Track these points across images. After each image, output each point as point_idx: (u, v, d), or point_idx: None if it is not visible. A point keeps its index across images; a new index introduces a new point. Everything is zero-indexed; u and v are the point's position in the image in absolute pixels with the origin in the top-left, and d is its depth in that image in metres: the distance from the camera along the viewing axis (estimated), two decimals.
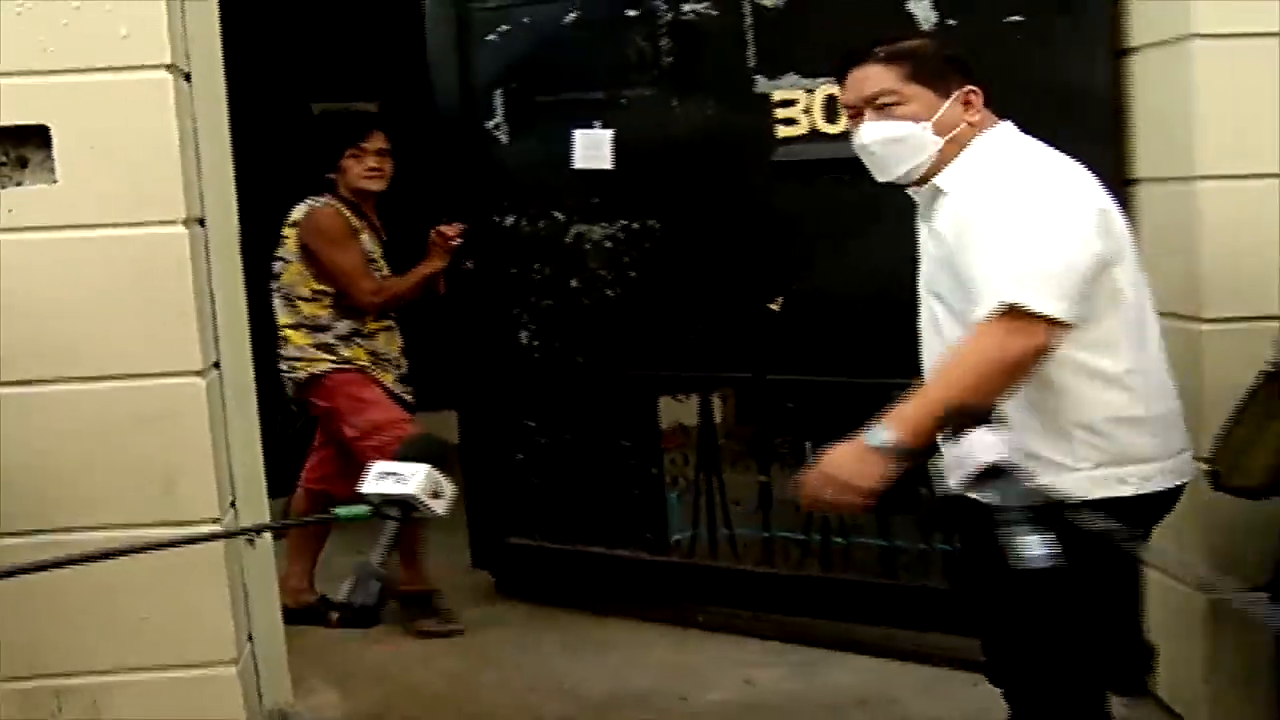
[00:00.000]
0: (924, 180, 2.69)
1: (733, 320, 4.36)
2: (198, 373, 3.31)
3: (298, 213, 4.67)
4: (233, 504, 3.52)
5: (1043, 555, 1.87)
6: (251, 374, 3.69)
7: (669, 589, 4.70)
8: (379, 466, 2.05)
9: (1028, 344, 2.41)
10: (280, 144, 5.63)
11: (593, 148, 4.46)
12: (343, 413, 4.66)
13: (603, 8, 4.42)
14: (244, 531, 3.53)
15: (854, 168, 3.36)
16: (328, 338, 4.66)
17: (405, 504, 2.00)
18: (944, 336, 2.67)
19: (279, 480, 5.89)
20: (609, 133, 4.45)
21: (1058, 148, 2.66)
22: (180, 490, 3.29)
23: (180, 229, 3.26)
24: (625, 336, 4.57)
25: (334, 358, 4.65)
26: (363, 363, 4.67)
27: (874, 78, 2.68)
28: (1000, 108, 2.73)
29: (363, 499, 2.03)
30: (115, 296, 3.24)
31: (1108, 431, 2.55)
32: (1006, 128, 2.70)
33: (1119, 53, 3.70)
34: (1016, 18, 3.79)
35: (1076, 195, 2.55)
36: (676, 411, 4.67)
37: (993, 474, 2.01)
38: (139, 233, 3.23)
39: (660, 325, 4.50)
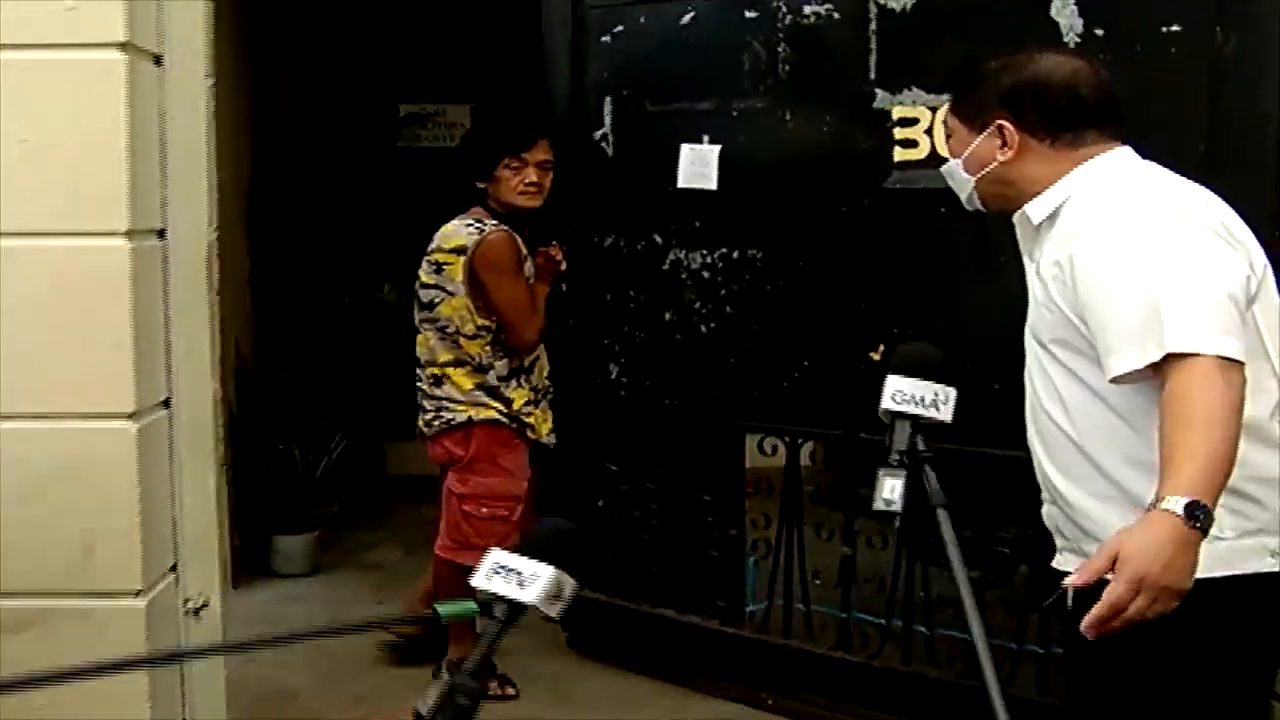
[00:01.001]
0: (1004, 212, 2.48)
1: (828, 367, 3.79)
2: (129, 415, 2.79)
3: (464, 237, 4.08)
4: (173, 568, 3.00)
5: None
6: (212, 413, 3.10)
7: (740, 664, 4.13)
8: (497, 558, 1.78)
9: (1236, 391, 2.04)
10: (363, 148, 5.34)
11: (698, 165, 3.98)
12: (470, 465, 4.16)
13: (721, 8, 3.94)
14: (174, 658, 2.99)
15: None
16: (490, 379, 4.13)
17: (516, 606, 1.73)
18: (1035, 386, 2.40)
19: (305, 516, 5.69)
20: (715, 149, 3.95)
21: (1215, 177, 2.37)
22: (99, 555, 2.77)
23: (121, 241, 2.74)
24: (715, 378, 4.05)
25: (501, 406, 4.12)
26: (526, 418, 4.16)
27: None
28: (1150, 129, 2.54)
29: (471, 593, 1.77)
30: (39, 321, 2.73)
31: (1254, 494, 2.16)
32: (1119, 155, 2.37)
33: None
34: (1175, 27, 3.16)
35: (1210, 218, 2.23)
36: (762, 466, 4.13)
37: None
38: (72, 244, 2.72)
39: (751, 368, 3.97)
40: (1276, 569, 2.16)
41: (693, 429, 4.13)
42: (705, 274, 4.02)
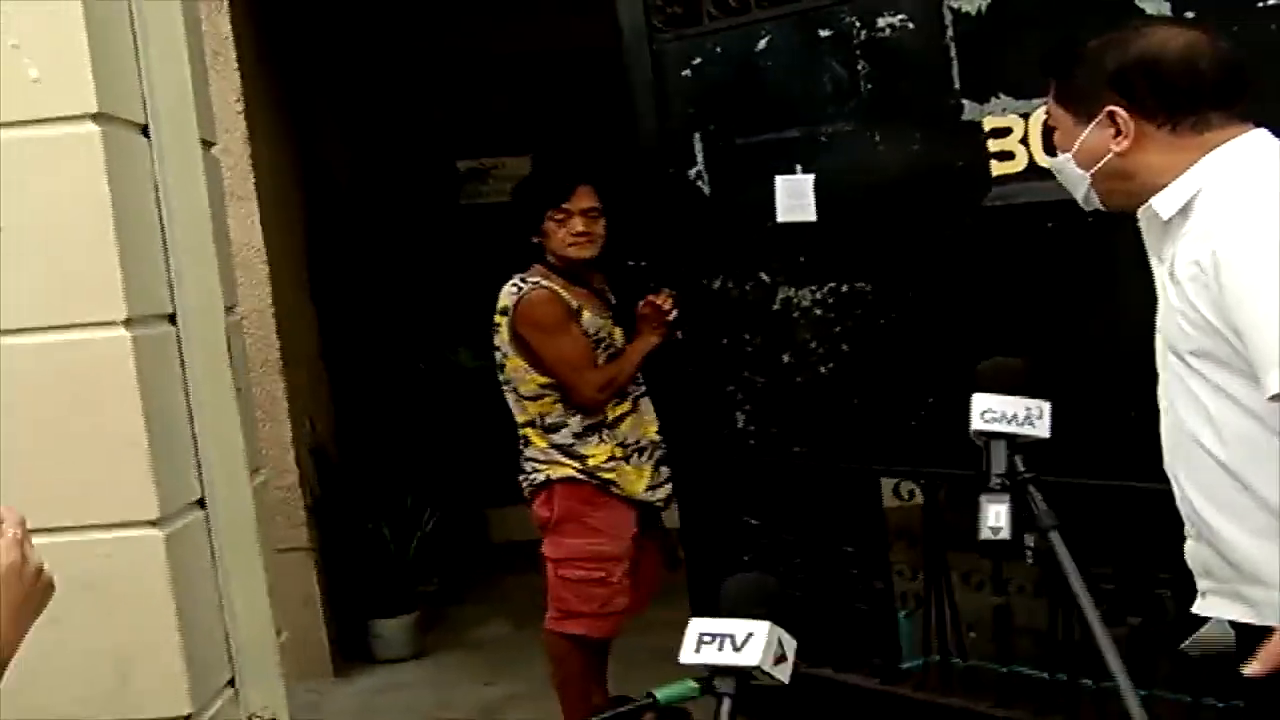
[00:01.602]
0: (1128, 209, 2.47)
1: (953, 401, 3.83)
2: (153, 522, 2.73)
3: (506, 297, 4.37)
4: (230, 682, 3.02)
5: None
6: (253, 510, 3.09)
7: None
8: (699, 626, 1.79)
9: None
10: (423, 209, 5.55)
11: (795, 196, 4.13)
12: (558, 527, 4.41)
13: (795, 30, 4.11)
14: None
15: (1084, 210, 2.97)
16: (563, 437, 4.38)
17: (743, 674, 1.76)
18: (1176, 406, 2.38)
19: (403, 597, 5.93)
20: (810, 178, 4.10)
21: None
22: (137, 677, 2.73)
23: (120, 331, 2.69)
24: (840, 421, 4.22)
25: (576, 464, 4.35)
26: (606, 474, 4.35)
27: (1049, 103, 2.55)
28: (1255, 115, 2.41)
29: (686, 671, 1.79)
30: (42, 423, 2.69)
31: None
32: (1255, 138, 2.35)
33: None
34: (1272, 1, 3.16)
35: None
36: (901, 513, 4.21)
37: None
38: (68, 338, 2.68)
39: (875, 407, 4.12)
40: None
41: (823, 477, 4.26)
42: (817, 311, 4.19)
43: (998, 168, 3.67)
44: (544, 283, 4.33)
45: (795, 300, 4.22)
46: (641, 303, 4.47)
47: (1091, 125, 2.36)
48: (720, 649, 1.73)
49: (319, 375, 6.40)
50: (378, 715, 5.49)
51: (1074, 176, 2.45)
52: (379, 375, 6.51)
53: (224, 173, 5.48)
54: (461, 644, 6.12)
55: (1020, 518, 2.13)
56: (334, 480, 6.00)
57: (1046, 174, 3.51)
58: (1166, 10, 3.31)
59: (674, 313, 4.44)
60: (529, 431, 4.41)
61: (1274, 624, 2.16)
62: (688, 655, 1.76)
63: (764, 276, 4.29)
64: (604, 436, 4.35)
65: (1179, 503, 2.41)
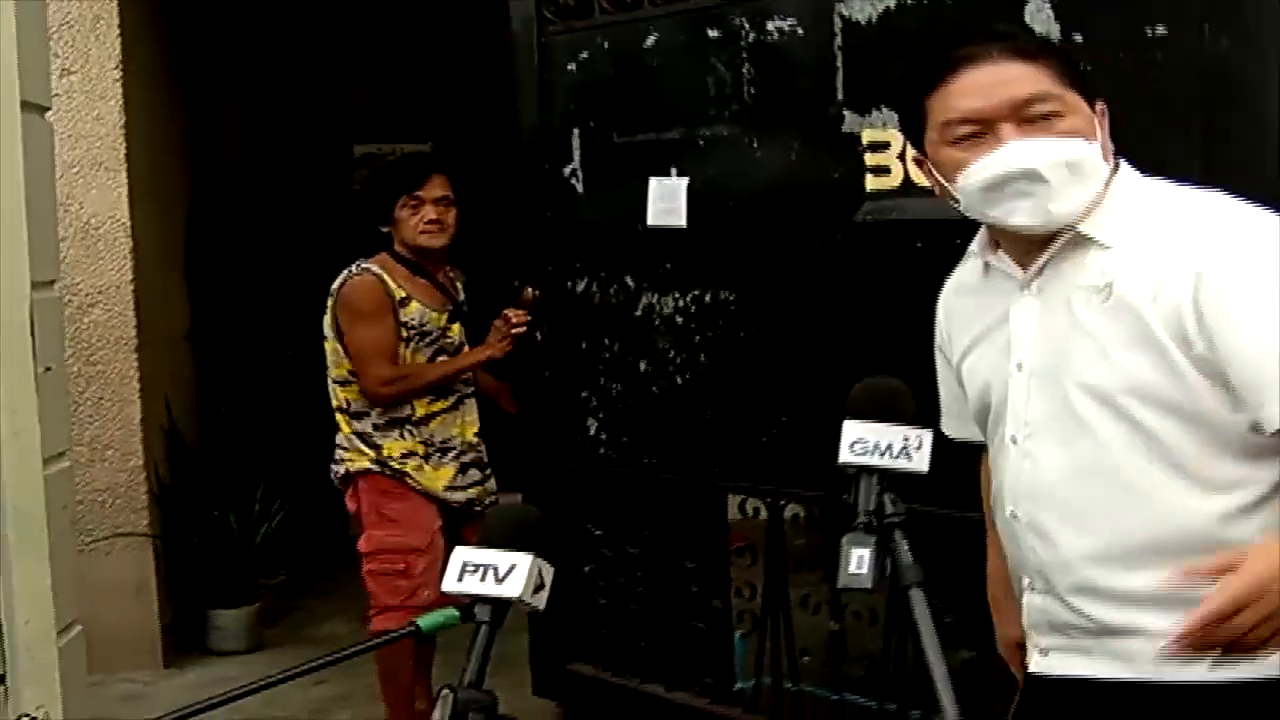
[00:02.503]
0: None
1: (808, 420, 3.58)
2: None
3: (337, 281, 4.19)
4: (2, 679, 2.79)
5: None
6: (43, 498, 2.85)
7: None
8: (464, 555, 1.72)
9: None
10: (315, 193, 5.24)
11: (666, 200, 3.83)
12: (362, 520, 4.21)
13: (683, 28, 3.81)
14: None
15: (957, 230, 2.69)
16: (365, 426, 4.18)
17: (500, 604, 1.68)
18: (1100, 440, 1.91)
19: (244, 588, 5.53)
20: (683, 182, 3.82)
21: (1212, 189, 1.96)
22: None
23: None
24: (692, 433, 3.90)
25: (372, 454, 4.15)
26: (398, 466, 4.13)
27: (1025, 77, 1.93)
28: (1140, 140, 2.25)
29: (449, 600, 1.72)
30: None
31: None
32: (1129, 169, 2.00)
33: None
34: (1160, 30, 2.92)
35: None
36: (746, 531, 3.92)
37: None
38: None
39: (729, 421, 3.81)
40: None
41: (671, 489, 3.95)
42: (678, 319, 3.88)
43: (873, 182, 3.39)
44: (374, 269, 4.13)
45: (658, 307, 3.91)
46: (501, 314, 4.20)
47: (1100, 118, 1.95)
48: (483, 579, 1.68)
49: (184, 356, 5.98)
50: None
51: (1097, 168, 1.93)
52: (248, 360, 6.06)
53: (94, 142, 5.21)
54: (300, 639, 5.69)
55: (884, 565, 1.82)
56: (186, 465, 5.58)
57: (921, 191, 3.29)
58: (1055, 32, 3.06)
59: (521, 329, 4.16)
60: (339, 417, 4.22)
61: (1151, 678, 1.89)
62: (450, 584, 1.69)
63: (629, 281, 3.98)
64: (406, 432, 4.15)
65: (1033, 552, 2.03)
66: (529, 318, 4.16)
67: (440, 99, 6.28)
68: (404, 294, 4.14)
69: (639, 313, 3.95)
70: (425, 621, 1.74)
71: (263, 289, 6.17)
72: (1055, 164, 1.88)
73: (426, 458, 4.16)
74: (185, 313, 6.02)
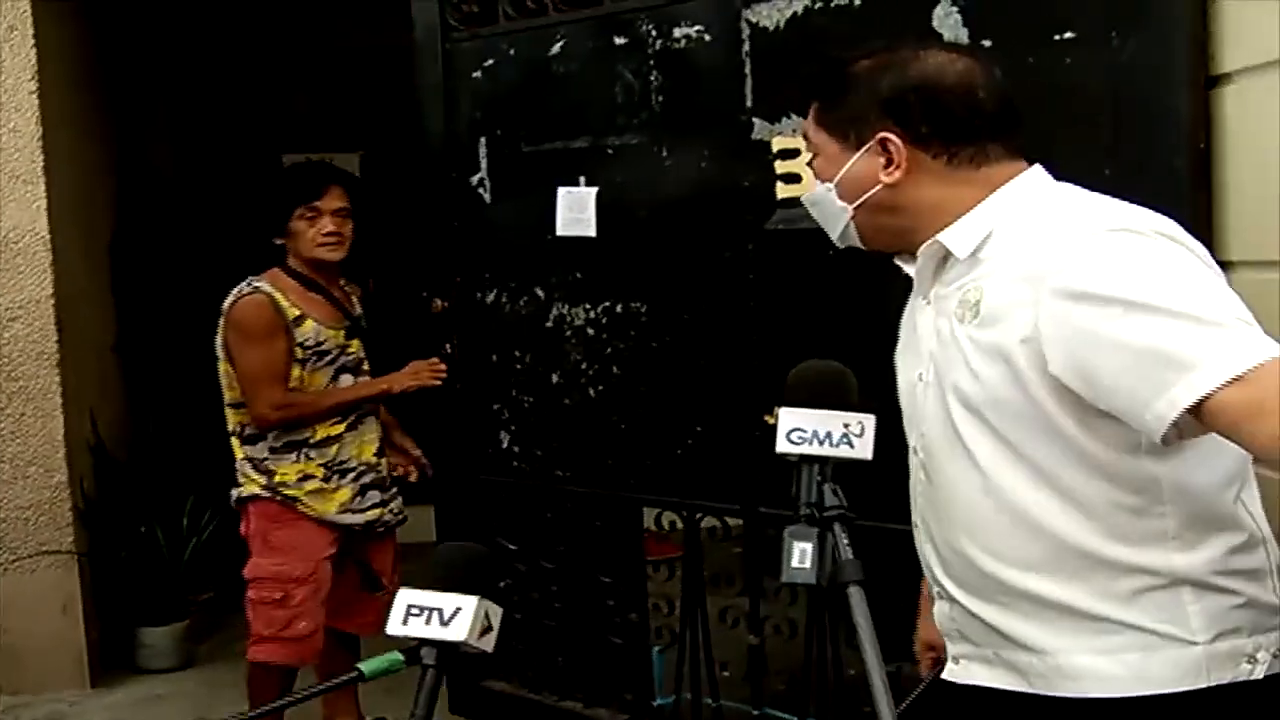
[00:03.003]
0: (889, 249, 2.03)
1: (720, 435, 3.41)
2: None
3: (227, 300, 3.93)
4: None
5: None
6: None
7: None
8: (407, 598, 1.65)
9: None
10: (244, 203, 5.01)
11: (575, 210, 3.65)
12: (250, 545, 3.97)
13: (590, 35, 3.63)
14: None
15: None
16: (260, 451, 3.94)
17: (446, 647, 1.62)
18: (960, 462, 1.88)
19: (173, 605, 5.27)
20: (592, 192, 3.63)
21: (1123, 192, 1.86)
22: None
23: None
24: (606, 446, 3.71)
25: (263, 479, 3.92)
26: (290, 491, 3.90)
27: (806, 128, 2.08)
28: (1050, 144, 2.13)
29: (393, 643, 1.63)
30: None
31: (1229, 586, 1.78)
32: (1037, 176, 1.93)
33: (1208, 81, 2.63)
34: (1068, 35, 2.78)
35: (1194, 245, 1.76)
36: (662, 547, 3.76)
37: None
38: None
39: (643, 434, 3.63)
40: (1259, 676, 1.77)
41: (585, 503, 3.77)
42: (589, 331, 3.70)
43: (783, 190, 3.23)
44: (265, 287, 3.87)
45: (569, 318, 3.72)
46: (423, 363, 3.99)
47: (860, 152, 1.92)
48: (428, 622, 1.61)
49: (111, 369, 5.71)
50: None
51: (833, 209, 1.99)
52: (177, 372, 5.71)
53: (11, 155, 4.93)
54: (232, 655, 5.24)
55: (826, 559, 1.68)
56: (113, 480, 5.31)
57: None
58: (964, 37, 2.92)
59: (435, 381, 3.96)
60: (233, 441, 3.98)
61: (1043, 691, 1.82)
62: (395, 627, 1.63)
63: (539, 292, 3.79)
64: (303, 455, 3.91)
65: (932, 560, 1.99)
66: (444, 373, 3.96)
67: (371, 107, 6.08)
68: (298, 312, 3.87)
69: (550, 324, 3.76)
70: (368, 667, 1.65)
71: (192, 299, 5.88)
72: (809, 204, 2.08)
73: (326, 479, 3.92)
74: (112, 325, 5.74)
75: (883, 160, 1.89)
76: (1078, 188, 1.88)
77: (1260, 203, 2.51)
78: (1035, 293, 1.72)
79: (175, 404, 5.71)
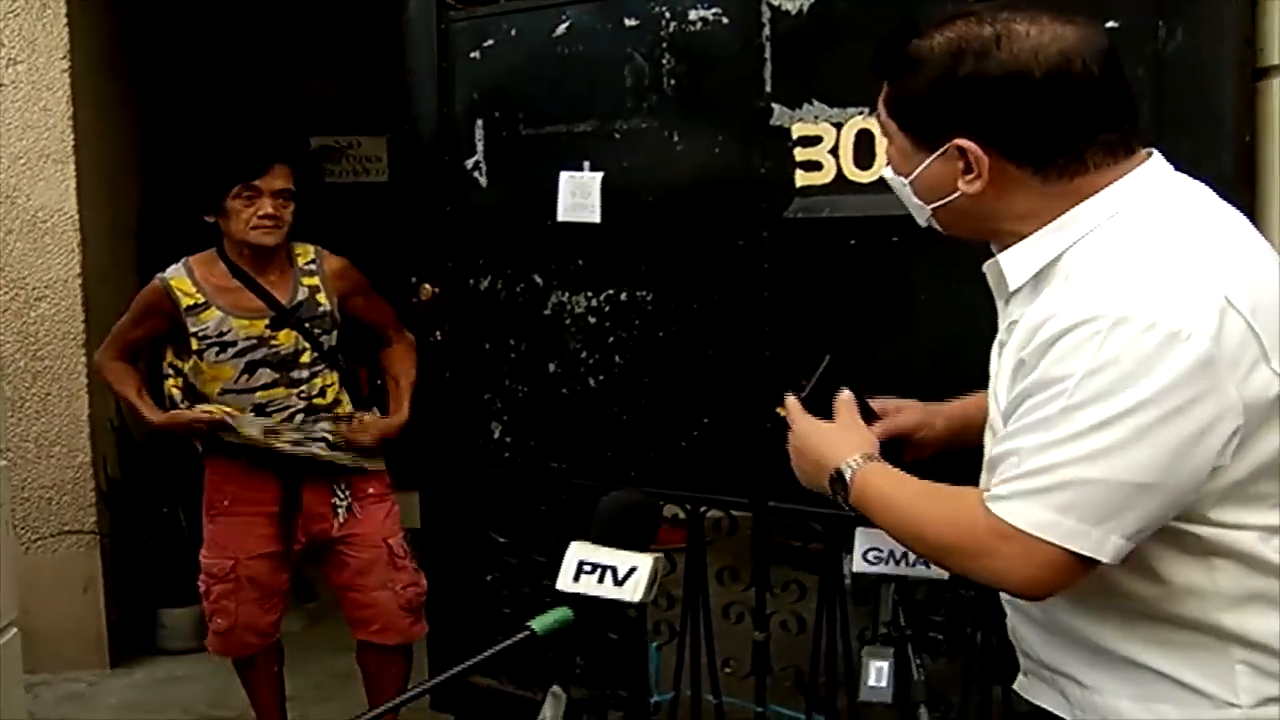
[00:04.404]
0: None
1: (730, 427, 3.26)
2: None
3: None
4: None
5: None
6: None
7: None
8: (579, 553, 1.64)
9: None
10: None
11: (579, 195, 3.47)
12: None
13: (598, 16, 3.44)
14: None
15: (893, 227, 2.71)
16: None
17: (618, 606, 1.58)
18: None
19: (193, 586, 5.11)
20: (597, 176, 3.45)
21: None
22: None
23: None
24: (606, 437, 3.54)
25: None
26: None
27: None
28: None
29: (562, 599, 1.60)
30: None
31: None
32: (1133, 184, 1.64)
33: (1254, 74, 2.54)
34: (1112, 24, 2.64)
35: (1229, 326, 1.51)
36: (671, 535, 3.60)
37: None
38: None
39: (646, 426, 3.46)
40: None
41: (581, 494, 3.59)
42: (591, 319, 3.52)
43: (803, 178, 3.08)
44: (171, 272, 3.76)
45: (569, 306, 3.54)
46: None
47: (934, 156, 1.68)
48: (600, 580, 1.58)
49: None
50: (144, 709, 4.71)
51: (911, 202, 1.79)
52: None
53: (42, 133, 4.81)
54: None
55: (902, 676, 1.65)
56: (135, 461, 5.19)
57: (855, 188, 3.02)
58: None
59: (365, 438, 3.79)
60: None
61: None
62: (565, 583, 1.61)
63: (537, 279, 3.60)
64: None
65: None
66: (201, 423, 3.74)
67: (399, 90, 5.88)
68: (199, 299, 3.67)
69: (548, 312, 3.57)
70: (539, 624, 1.62)
71: None
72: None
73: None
74: None
75: (961, 165, 1.65)
76: (1186, 197, 1.66)
77: None
78: (1030, 334, 1.59)
79: None
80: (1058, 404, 1.51)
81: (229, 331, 3.65)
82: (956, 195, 1.68)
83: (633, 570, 1.56)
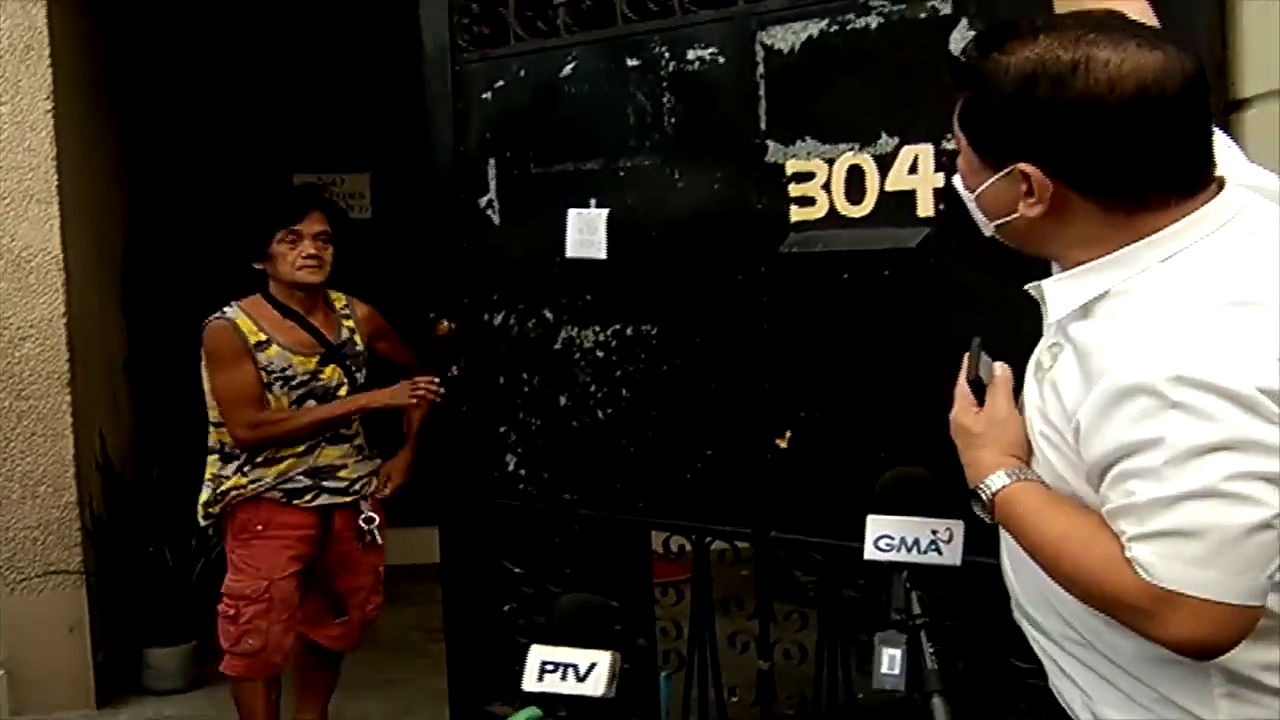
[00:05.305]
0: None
1: (733, 457, 3.27)
2: None
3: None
4: None
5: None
6: None
7: None
8: (540, 655, 1.71)
9: None
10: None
11: (586, 232, 3.49)
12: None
13: (602, 57, 3.48)
14: None
15: (884, 261, 2.74)
16: (228, 470, 3.98)
17: (583, 702, 1.64)
18: None
19: (180, 625, 5.14)
20: (603, 213, 3.47)
21: None
22: None
23: None
24: (615, 469, 3.54)
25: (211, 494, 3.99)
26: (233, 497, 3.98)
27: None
28: None
29: (529, 699, 1.68)
30: None
31: (1266, 681, 1.59)
32: (1187, 230, 1.60)
33: (1227, 106, 2.51)
34: None
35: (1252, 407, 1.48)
36: (671, 569, 3.61)
37: None
38: None
39: (652, 457, 3.46)
40: None
41: (593, 526, 3.62)
42: (599, 353, 3.53)
43: (798, 213, 3.07)
44: (229, 313, 3.91)
45: (578, 340, 3.56)
46: (413, 381, 3.92)
47: (997, 176, 1.67)
48: (564, 678, 1.63)
49: (121, 389, 5.60)
50: None
51: (977, 216, 1.78)
52: (186, 392, 5.63)
53: (25, 174, 4.82)
54: None
55: (915, 665, 1.67)
56: (121, 500, 5.18)
57: (847, 222, 3.01)
58: None
59: (422, 392, 3.87)
60: (209, 458, 4.00)
61: None
62: (530, 683, 1.66)
63: (547, 314, 3.62)
64: (244, 471, 3.96)
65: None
66: (439, 387, 3.84)
67: (382, 128, 5.95)
68: (262, 337, 3.90)
69: (558, 346, 3.59)
70: None
71: (202, 319, 5.84)
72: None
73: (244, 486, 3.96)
74: (123, 344, 5.64)
75: (1024, 188, 1.65)
76: (1245, 237, 1.61)
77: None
78: (1086, 385, 1.57)
79: (184, 424, 5.55)
80: (1157, 459, 1.48)
81: (289, 367, 3.91)
82: (1016, 216, 1.68)
83: (593, 666, 1.62)
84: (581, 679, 1.63)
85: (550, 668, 1.66)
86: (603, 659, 1.63)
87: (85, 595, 4.97)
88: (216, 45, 6.31)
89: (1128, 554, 1.50)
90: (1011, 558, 1.81)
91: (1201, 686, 1.60)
